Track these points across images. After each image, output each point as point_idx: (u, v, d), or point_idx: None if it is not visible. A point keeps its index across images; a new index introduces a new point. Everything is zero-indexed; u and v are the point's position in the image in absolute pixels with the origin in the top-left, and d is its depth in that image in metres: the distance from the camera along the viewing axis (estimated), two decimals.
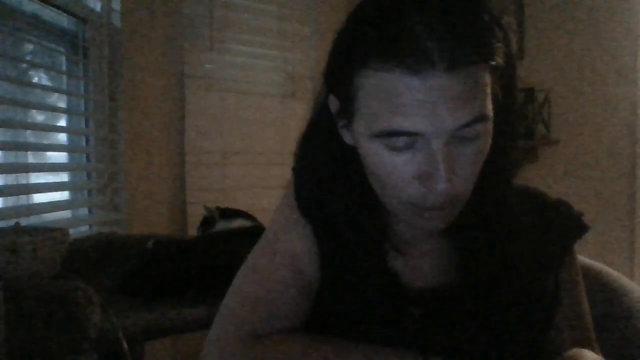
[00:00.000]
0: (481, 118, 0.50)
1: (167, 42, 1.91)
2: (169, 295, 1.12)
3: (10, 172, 1.35)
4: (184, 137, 1.97)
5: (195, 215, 1.73)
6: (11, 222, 1.06)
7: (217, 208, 1.49)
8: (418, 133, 0.49)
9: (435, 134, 0.48)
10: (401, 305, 0.62)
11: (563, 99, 2.68)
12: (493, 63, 0.50)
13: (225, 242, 1.27)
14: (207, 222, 1.48)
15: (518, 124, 0.61)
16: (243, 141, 2.13)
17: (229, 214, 1.48)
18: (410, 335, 0.60)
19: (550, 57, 2.71)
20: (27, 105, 1.43)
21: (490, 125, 0.52)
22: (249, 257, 0.67)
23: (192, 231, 1.75)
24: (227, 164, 2.09)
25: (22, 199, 1.39)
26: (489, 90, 0.51)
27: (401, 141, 0.50)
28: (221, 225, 1.44)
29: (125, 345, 0.90)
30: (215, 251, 1.22)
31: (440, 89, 0.47)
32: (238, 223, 1.44)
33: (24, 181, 1.37)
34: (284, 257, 0.64)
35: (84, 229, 1.62)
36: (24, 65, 1.49)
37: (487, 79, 0.50)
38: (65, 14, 1.57)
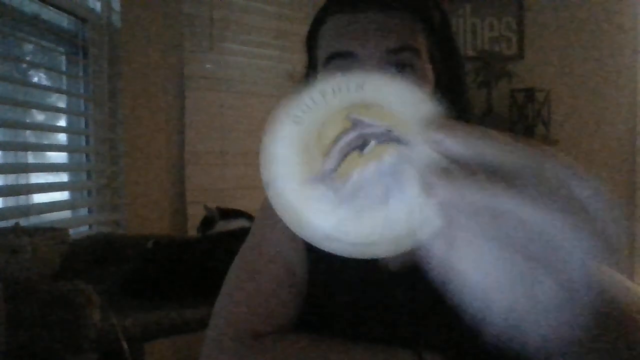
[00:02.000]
0: (409, 47, 0.58)
1: (167, 42, 1.91)
2: (168, 295, 1.12)
3: (10, 172, 1.35)
4: (184, 137, 1.97)
5: (195, 215, 1.73)
6: (11, 222, 1.06)
7: (217, 208, 1.49)
8: (351, 52, 0.58)
9: (367, 55, 0.58)
10: (385, 285, 0.63)
11: (563, 99, 2.68)
12: (423, 19, 0.60)
13: (225, 243, 1.27)
14: (207, 222, 1.47)
15: (463, 84, 0.68)
16: (243, 141, 2.13)
17: (229, 214, 1.48)
18: (398, 316, 0.61)
19: (550, 57, 2.71)
20: (27, 105, 1.43)
21: (423, 64, 0.60)
22: (238, 258, 0.68)
23: (192, 231, 1.75)
24: (227, 164, 2.09)
25: (22, 199, 1.39)
26: (421, 40, 0.60)
27: (342, 65, 0.59)
28: (221, 226, 1.44)
29: (125, 345, 0.90)
30: (215, 252, 1.22)
31: (371, 21, 0.58)
32: (238, 223, 1.43)
33: (23, 181, 1.37)
34: (273, 255, 0.66)
35: (84, 229, 1.62)
36: (24, 65, 1.49)
37: (420, 33, 0.60)
38: (65, 14, 1.57)
